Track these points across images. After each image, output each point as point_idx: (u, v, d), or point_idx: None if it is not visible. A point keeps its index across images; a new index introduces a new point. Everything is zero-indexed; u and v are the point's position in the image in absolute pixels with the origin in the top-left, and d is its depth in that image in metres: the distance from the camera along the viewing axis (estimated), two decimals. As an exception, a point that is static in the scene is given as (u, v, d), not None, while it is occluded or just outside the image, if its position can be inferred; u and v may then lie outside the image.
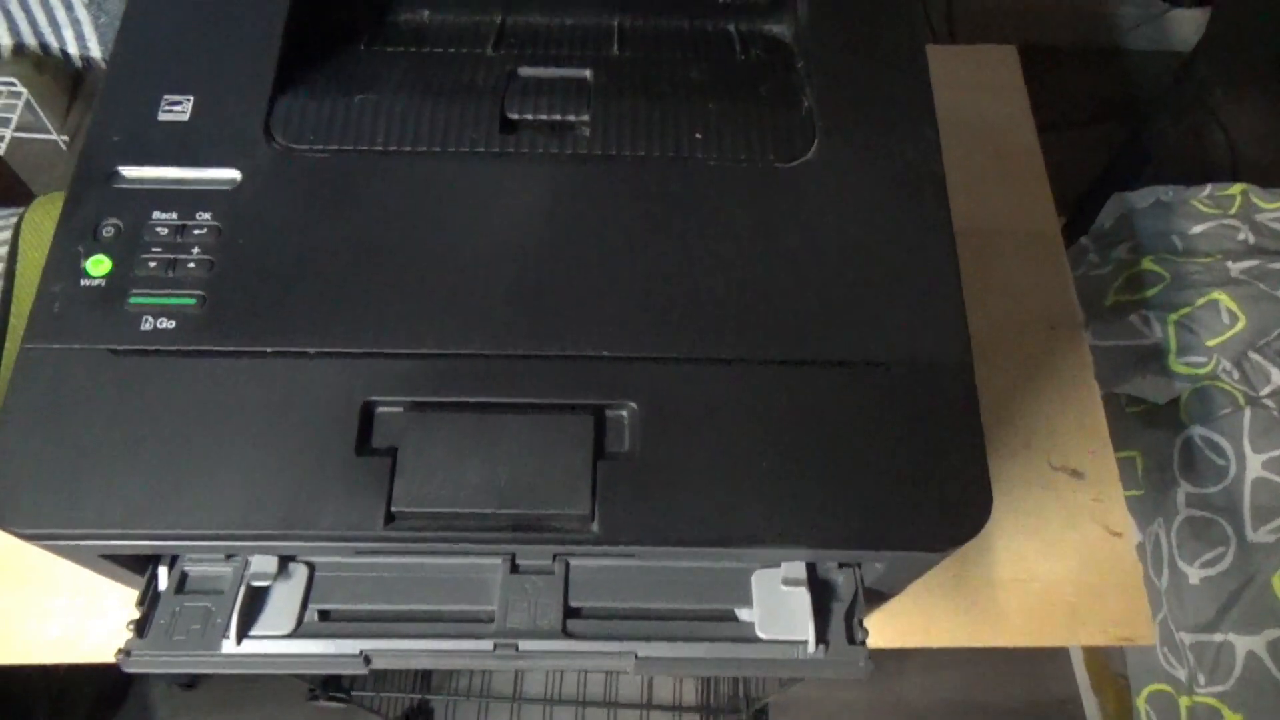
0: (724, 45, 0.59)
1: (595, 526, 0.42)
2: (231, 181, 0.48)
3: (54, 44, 1.16)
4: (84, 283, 0.45)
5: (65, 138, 1.63)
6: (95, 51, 1.14)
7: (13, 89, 1.50)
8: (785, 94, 0.54)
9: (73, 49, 1.16)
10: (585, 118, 0.51)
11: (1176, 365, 1.10)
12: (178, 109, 0.50)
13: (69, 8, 1.10)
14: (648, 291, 0.46)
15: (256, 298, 0.45)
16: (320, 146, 0.49)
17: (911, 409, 0.44)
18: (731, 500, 0.42)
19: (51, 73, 1.69)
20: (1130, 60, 1.90)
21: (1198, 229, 1.20)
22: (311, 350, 0.44)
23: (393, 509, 0.41)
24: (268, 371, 0.44)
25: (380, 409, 0.44)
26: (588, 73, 0.55)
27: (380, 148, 0.49)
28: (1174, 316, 1.10)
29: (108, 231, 0.47)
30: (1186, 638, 1.04)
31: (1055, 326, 0.72)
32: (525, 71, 0.55)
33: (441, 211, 0.48)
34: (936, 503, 0.43)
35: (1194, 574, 1.04)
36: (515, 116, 0.51)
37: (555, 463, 0.42)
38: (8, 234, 0.91)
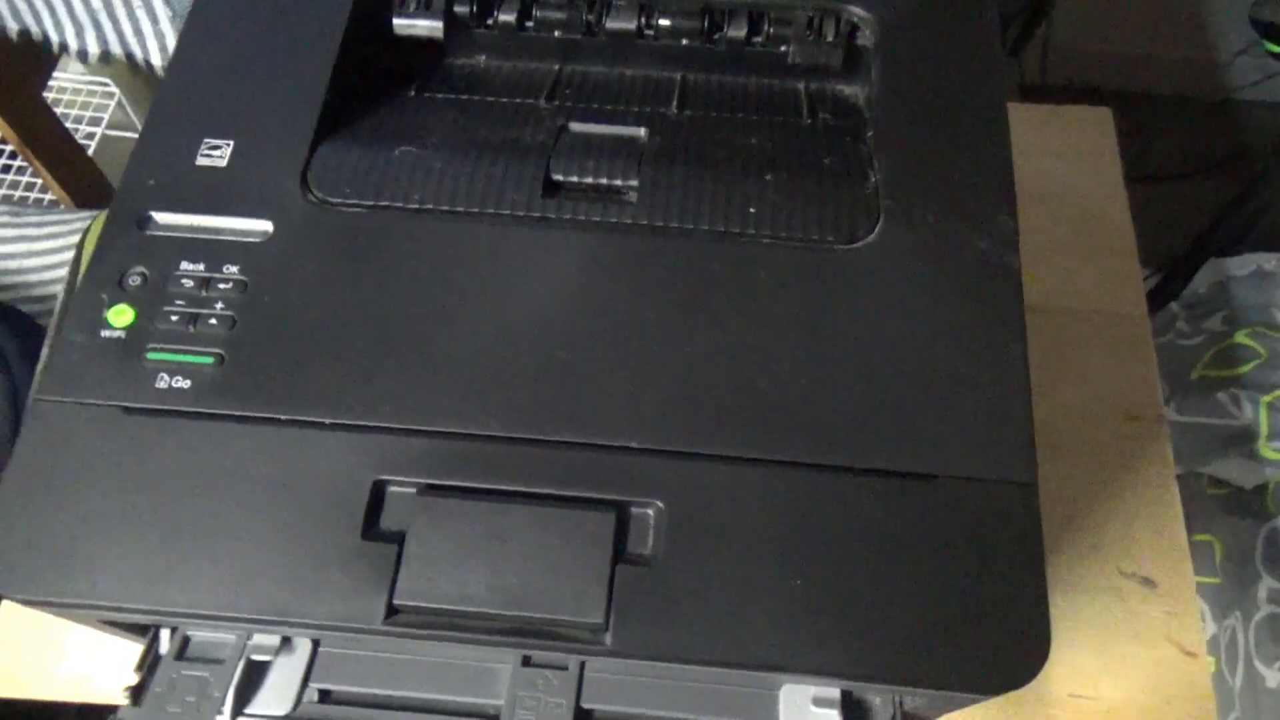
0: (791, 107, 0.56)
1: (609, 638, 0.39)
2: (263, 234, 0.46)
3: (139, 53, 1.18)
4: (104, 334, 0.44)
5: (152, 138, 1.66)
6: (176, 63, 1.16)
7: (106, 89, 1.54)
8: (851, 167, 0.50)
9: (156, 60, 1.18)
10: (633, 183, 0.48)
11: (1267, 450, 1.03)
12: (216, 154, 0.48)
13: (154, 20, 1.12)
14: (685, 379, 0.43)
15: (275, 360, 0.43)
16: (355, 201, 0.47)
17: (966, 531, 0.40)
18: (760, 619, 0.39)
19: (144, 72, 1.73)
20: (1240, 113, 1.81)
21: (1302, 302, 1.12)
22: (326, 421, 0.42)
23: (395, 602, 0.39)
24: (280, 441, 0.42)
25: (391, 488, 0.41)
26: (642, 131, 0.52)
27: (416, 205, 0.47)
28: (1267, 399, 1.03)
29: (134, 280, 0.45)
30: (1262, 746, 0.96)
31: (1135, 418, 0.67)
32: (576, 127, 0.52)
33: (473, 279, 0.45)
34: (988, 641, 0.38)
35: (1272, 677, 0.97)
36: (560, 178, 0.49)
37: (570, 563, 0.39)
38: (79, 238, 0.92)
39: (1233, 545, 1.04)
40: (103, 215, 0.91)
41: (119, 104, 1.54)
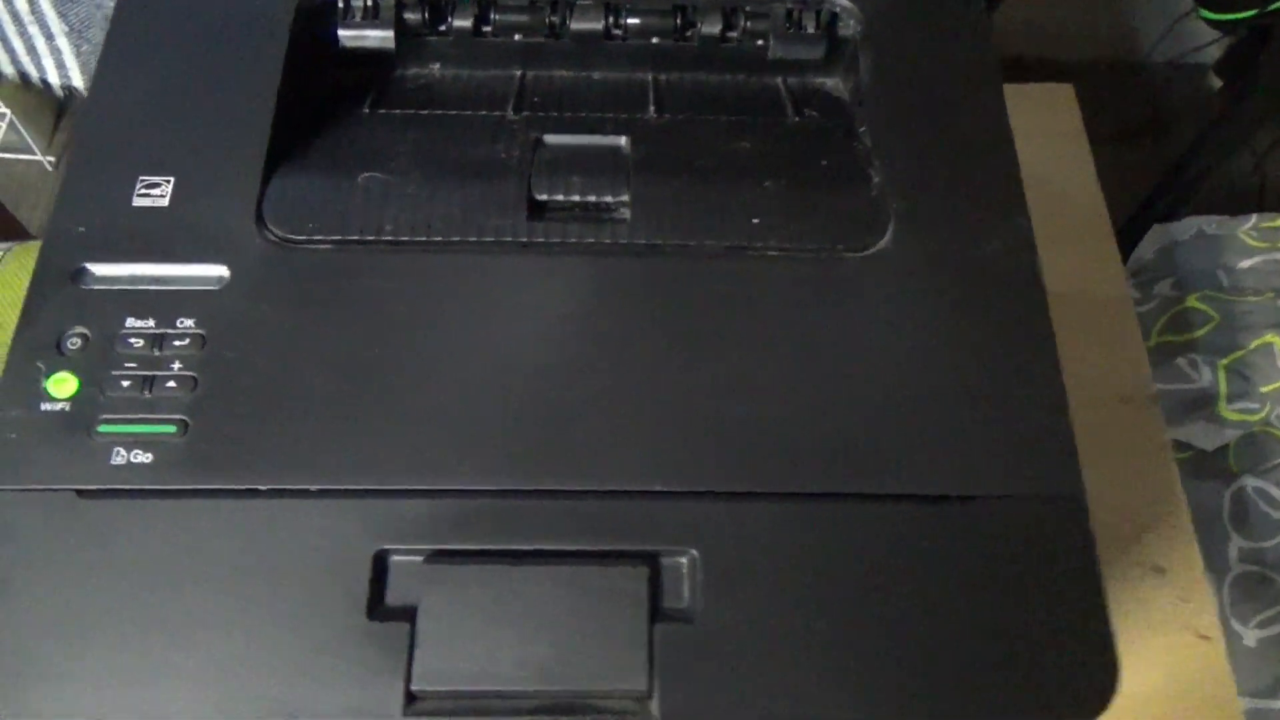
0: (772, 104, 0.52)
1: (655, 706, 0.35)
2: (218, 280, 0.41)
3: (34, 73, 1.09)
4: (45, 407, 0.38)
5: (51, 158, 1.56)
6: (77, 80, 1.07)
7: (-6, 109, 1.43)
8: (849, 167, 0.47)
9: (53, 78, 1.09)
10: (624, 198, 0.45)
11: (1227, 412, 1.04)
12: (155, 192, 0.43)
13: (49, 37, 1.03)
14: (704, 412, 0.39)
15: (247, 423, 0.38)
16: (320, 237, 0.43)
17: (1016, 554, 0.38)
18: (813, 670, 0.36)
19: (37, 91, 1.62)
20: (1152, 75, 1.84)
21: (1245, 264, 1.13)
22: (313, 488, 0.38)
23: (413, 688, 0.35)
24: (262, 515, 0.37)
25: (395, 558, 0.37)
26: (623, 140, 0.48)
27: (390, 237, 0.43)
28: (1225, 361, 1.04)
29: (73, 343, 0.40)
30: (1244, 703, 0.97)
31: (1128, 400, 0.66)
32: (552, 139, 0.48)
33: (462, 316, 0.41)
34: (1053, 674, 0.36)
35: (1250, 635, 0.98)
36: (544, 198, 0.45)
37: (603, 626, 0.36)
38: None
39: (1200, 508, 1.05)
40: (18, 249, 0.83)
41: (10, 125, 1.44)
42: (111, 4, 0.53)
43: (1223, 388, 1.04)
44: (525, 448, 0.38)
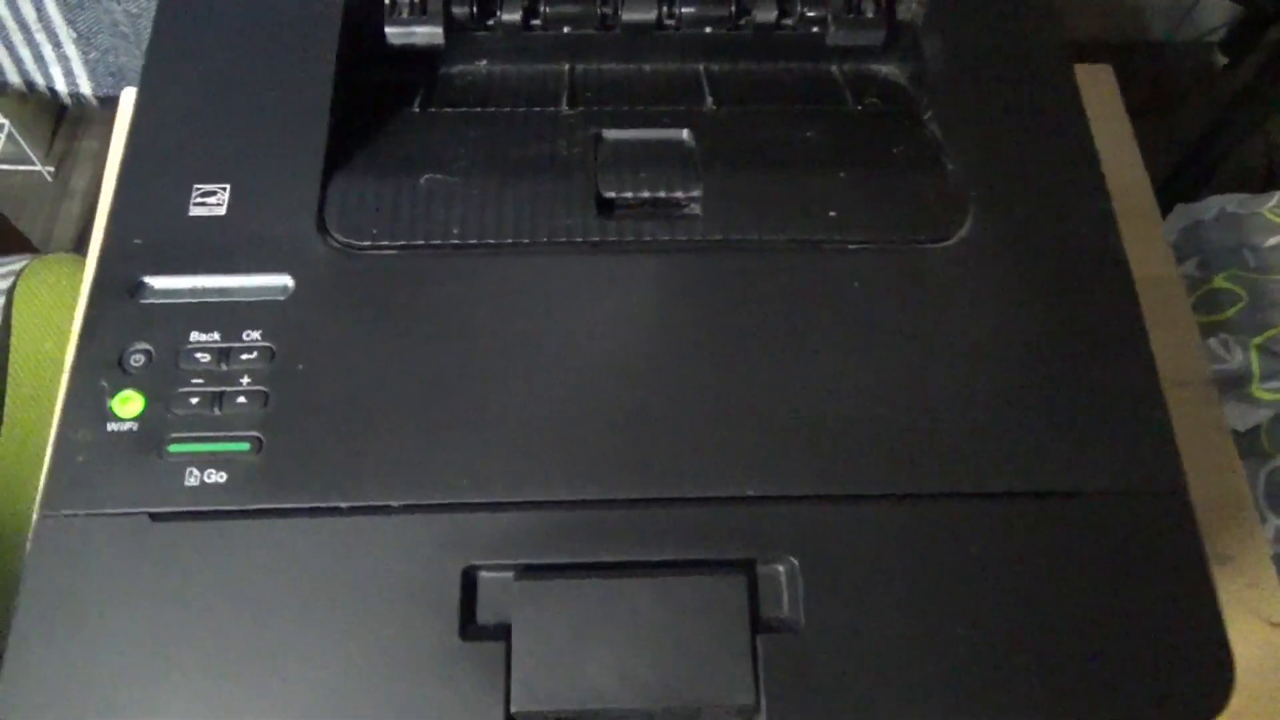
0: (831, 93, 0.51)
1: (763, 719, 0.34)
2: (283, 290, 0.40)
3: (40, 82, 1.07)
4: (111, 427, 0.37)
5: (50, 168, 1.54)
6: (85, 88, 1.06)
7: (-9, 119, 1.41)
8: (921, 155, 0.46)
9: (60, 86, 1.07)
10: (695, 193, 0.43)
11: (1260, 392, 1.03)
12: (212, 200, 0.42)
13: (56, 45, 1.01)
14: (794, 412, 0.38)
15: (322, 438, 0.37)
16: (385, 242, 0.41)
17: (1127, 552, 0.37)
18: (925, 677, 0.34)
19: (34, 101, 1.60)
20: (1156, 52, 1.83)
21: (1271, 242, 1.12)
22: (396, 504, 0.36)
23: (513, 710, 0.33)
24: (344, 533, 0.36)
25: (485, 575, 0.36)
26: (685, 133, 0.47)
27: (457, 240, 0.41)
28: (1257, 340, 1.03)
29: (136, 360, 0.38)
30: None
31: (1184, 384, 0.65)
32: (612, 134, 0.47)
33: (536, 319, 0.40)
34: (1168, 675, 0.35)
35: (1289, 616, 0.97)
36: (613, 195, 0.43)
37: (705, 638, 0.35)
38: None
39: (1233, 489, 1.04)
40: (30, 269, 0.82)
41: (9, 136, 1.42)
42: (120, 11, 0.51)
43: (1255, 368, 1.03)
44: (611, 456, 0.37)
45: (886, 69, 0.53)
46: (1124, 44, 1.83)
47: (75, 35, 0.99)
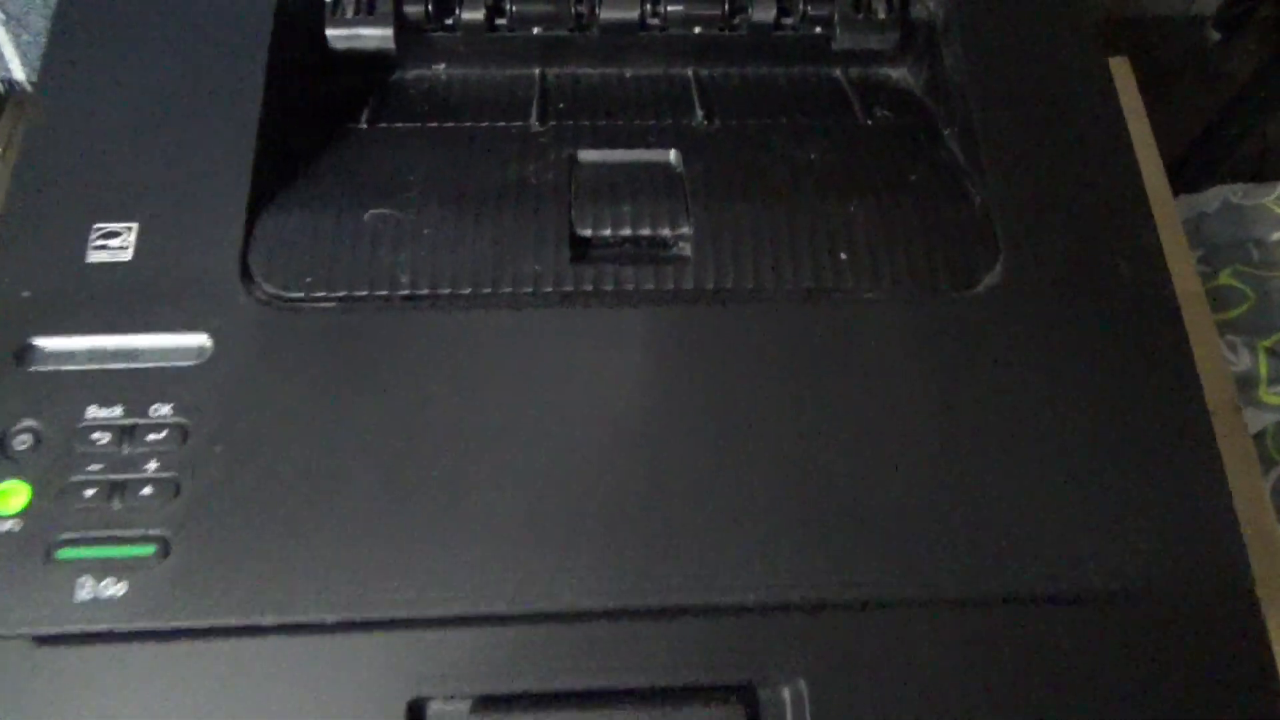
0: (837, 103, 0.45)
1: None
2: (199, 352, 0.34)
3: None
4: (-11, 526, 0.31)
5: (-4, 150, 1.45)
6: (19, 74, 0.97)
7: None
8: (941, 180, 0.40)
9: (-13, 73, 0.98)
10: (685, 230, 0.37)
11: (1267, 395, 0.99)
12: (115, 243, 0.35)
13: (-19, 25, 0.93)
14: (802, 501, 0.32)
15: (244, 538, 0.31)
16: (322, 294, 0.35)
17: (1185, 663, 0.31)
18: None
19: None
20: (1147, 29, 1.77)
21: (1276, 236, 1.08)
22: (330, 619, 0.30)
23: None
24: (268, 658, 0.30)
25: (434, 705, 0.30)
26: (672, 155, 0.41)
27: (406, 291, 0.35)
28: (1266, 343, 0.99)
29: (22, 441, 0.32)
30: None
31: (1212, 412, 0.60)
32: (589, 156, 0.40)
33: (499, 389, 0.34)
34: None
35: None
36: (588, 233, 0.37)
37: (697, 783, 0.29)
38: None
39: (1238, 496, 1.00)
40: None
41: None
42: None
43: (1263, 370, 0.99)
44: (585, 558, 0.31)
45: (898, 74, 0.47)
46: (1112, 19, 1.77)
47: (5, 17, 0.90)
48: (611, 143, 0.41)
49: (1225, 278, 1.07)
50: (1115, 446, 0.34)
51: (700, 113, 0.43)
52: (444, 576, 0.31)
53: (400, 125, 0.42)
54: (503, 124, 0.42)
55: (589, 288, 0.36)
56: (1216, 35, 1.75)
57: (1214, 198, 1.14)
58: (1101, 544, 0.32)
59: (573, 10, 0.44)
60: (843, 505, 0.32)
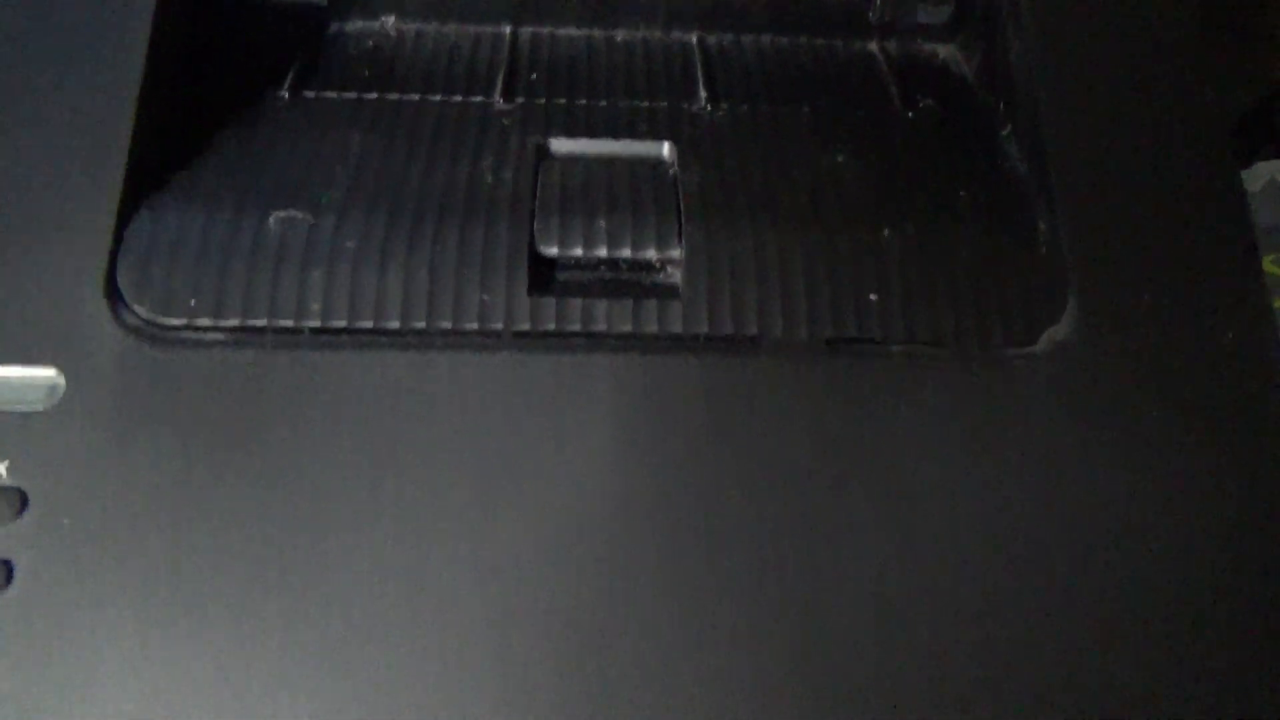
0: (871, 86, 0.37)
1: None
2: (47, 392, 0.26)
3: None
4: None
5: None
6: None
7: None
8: (998, 199, 0.32)
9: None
10: (674, 254, 0.30)
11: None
12: (-54, 245, 0.27)
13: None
14: (819, 630, 0.26)
15: (92, 650, 0.24)
16: (208, 322, 0.27)
17: None
18: None
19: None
20: None
21: (1326, 221, 1.00)
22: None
23: None
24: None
25: None
26: (665, 149, 0.33)
27: (316, 322, 0.28)
28: (1308, 341, 0.92)
29: None
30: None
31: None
32: (562, 147, 0.33)
33: (429, 460, 0.26)
34: None
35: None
36: (553, 252, 0.29)
37: None
38: None
39: None
40: None
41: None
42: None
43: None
44: (536, 702, 0.24)
45: (945, 52, 0.39)
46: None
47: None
48: (591, 129, 0.33)
49: (1269, 264, 0.99)
50: (1208, 553, 0.27)
51: (704, 93, 0.35)
52: (353, 714, 0.24)
53: (330, 95, 0.34)
54: (459, 99, 0.34)
55: (550, 326, 0.28)
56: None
57: (1259, 176, 1.05)
58: (1205, 683, 0.26)
59: (552, -43, 0.35)
60: (871, 637, 0.25)
